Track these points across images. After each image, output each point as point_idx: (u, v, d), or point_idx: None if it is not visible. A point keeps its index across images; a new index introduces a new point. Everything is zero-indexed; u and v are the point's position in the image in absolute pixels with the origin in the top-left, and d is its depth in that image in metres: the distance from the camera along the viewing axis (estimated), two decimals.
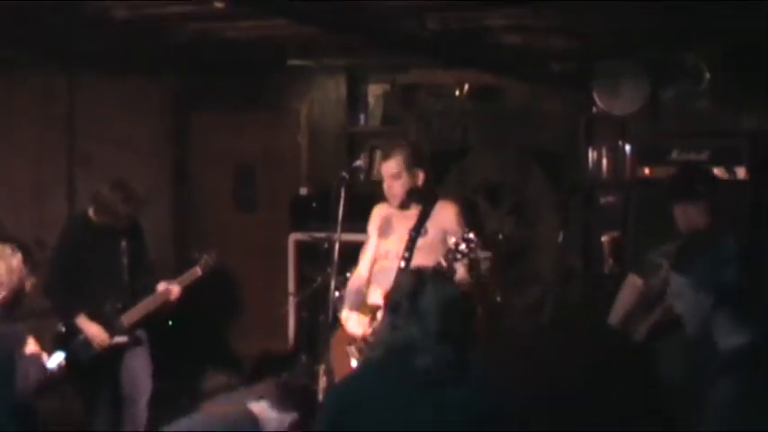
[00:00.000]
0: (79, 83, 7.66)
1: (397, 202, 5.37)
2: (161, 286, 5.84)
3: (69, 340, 5.65)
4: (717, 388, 2.71)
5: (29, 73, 7.23)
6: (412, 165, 5.31)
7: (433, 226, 5.30)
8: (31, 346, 4.66)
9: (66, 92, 7.62)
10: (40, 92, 7.48)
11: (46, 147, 7.54)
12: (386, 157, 5.37)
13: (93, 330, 5.71)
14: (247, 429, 3.78)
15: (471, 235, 4.97)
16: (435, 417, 2.95)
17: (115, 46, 6.65)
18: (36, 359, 4.62)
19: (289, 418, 3.79)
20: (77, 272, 5.76)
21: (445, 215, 5.34)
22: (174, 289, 5.83)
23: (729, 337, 2.77)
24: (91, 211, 5.79)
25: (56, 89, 7.57)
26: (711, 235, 4.45)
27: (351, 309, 5.45)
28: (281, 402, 3.82)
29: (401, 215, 5.42)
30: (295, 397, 3.93)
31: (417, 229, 5.30)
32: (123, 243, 5.84)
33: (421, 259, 5.19)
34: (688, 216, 4.87)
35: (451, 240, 5.06)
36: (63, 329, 5.72)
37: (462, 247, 4.94)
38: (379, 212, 5.59)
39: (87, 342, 5.72)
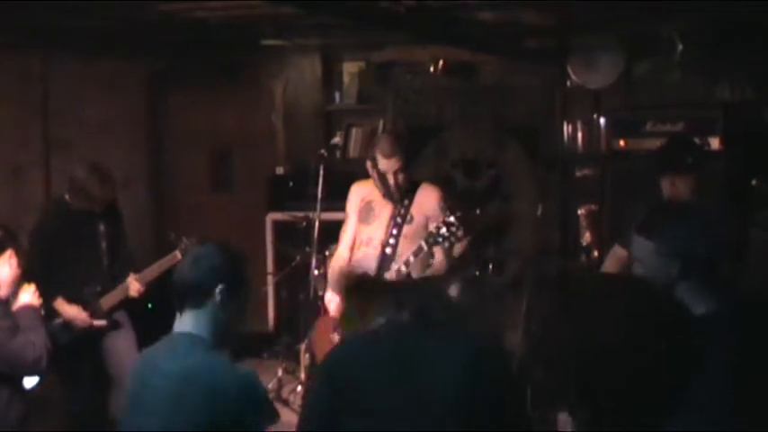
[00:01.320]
0: (54, 65, 7.62)
1: (399, 195, 5.29)
2: (131, 278, 5.82)
3: (48, 324, 5.63)
4: None
5: (4, 55, 7.18)
6: (403, 152, 5.25)
7: (417, 212, 5.27)
8: (27, 297, 4.64)
9: (40, 74, 7.58)
10: (15, 74, 7.43)
11: (22, 130, 7.50)
12: (388, 154, 5.19)
13: (71, 312, 5.70)
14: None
15: (452, 218, 4.96)
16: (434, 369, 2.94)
17: (89, 28, 6.62)
18: (35, 311, 4.62)
19: None
20: (55, 256, 5.73)
21: (428, 200, 5.31)
22: (135, 286, 5.80)
23: (694, 306, 2.76)
24: (67, 195, 5.78)
25: (31, 72, 7.53)
26: (683, 204, 4.48)
27: (334, 291, 5.41)
28: None
29: (383, 200, 5.36)
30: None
31: (404, 217, 5.27)
32: (101, 227, 5.83)
33: (406, 246, 5.17)
34: (676, 188, 4.85)
35: (432, 225, 5.06)
36: (42, 312, 5.70)
37: (443, 230, 4.95)
38: (358, 193, 5.50)
39: (65, 326, 5.71)
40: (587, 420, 2.31)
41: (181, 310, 3.31)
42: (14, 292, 4.60)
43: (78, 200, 5.68)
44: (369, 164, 5.30)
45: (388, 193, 5.27)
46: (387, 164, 5.20)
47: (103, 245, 5.84)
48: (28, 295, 4.63)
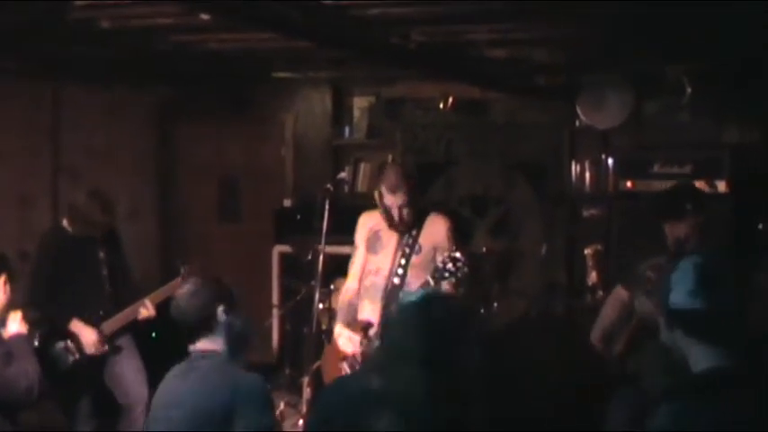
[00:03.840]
0: (64, 94, 7.65)
1: (406, 228, 5.27)
2: (146, 301, 5.83)
3: (48, 348, 5.62)
4: (659, 410, 2.62)
5: (15, 83, 7.22)
6: (409, 187, 5.24)
7: (425, 242, 5.24)
8: (15, 325, 4.60)
9: (51, 102, 7.61)
10: (26, 102, 7.47)
11: (31, 157, 7.52)
12: (393, 189, 5.18)
13: (88, 334, 5.70)
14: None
15: (458, 254, 4.95)
16: None
17: (100, 57, 6.66)
18: (25, 340, 4.59)
19: None
20: (58, 282, 5.75)
21: (437, 231, 5.30)
22: (148, 309, 5.81)
23: (698, 361, 2.65)
24: (66, 222, 5.80)
25: (41, 100, 7.56)
26: (679, 255, 4.45)
27: (343, 324, 5.38)
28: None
29: (390, 230, 5.34)
30: None
31: (412, 246, 5.26)
32: (101, 253, 5.85)
33: (414, 276, 5.15)
34: (675, 233, 4.91)
35: (438, 259, 5.05)
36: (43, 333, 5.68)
37: (450, 266, 4.93)
38: (365, 224, 5.49)
39: (67, 350, 5.70)
40: None
41: (194, 340, 3.73)
42: (2, 320, 4.58)
43: (78, 226, 5.71)
44: (376, 195, 5.32)
45: (392, 225, 5.28)
46: (391, 199, 5.21)
47: (104, 271, 5.86)
48: (16, 324, 4.59)
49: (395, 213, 5.20)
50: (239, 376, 3.65)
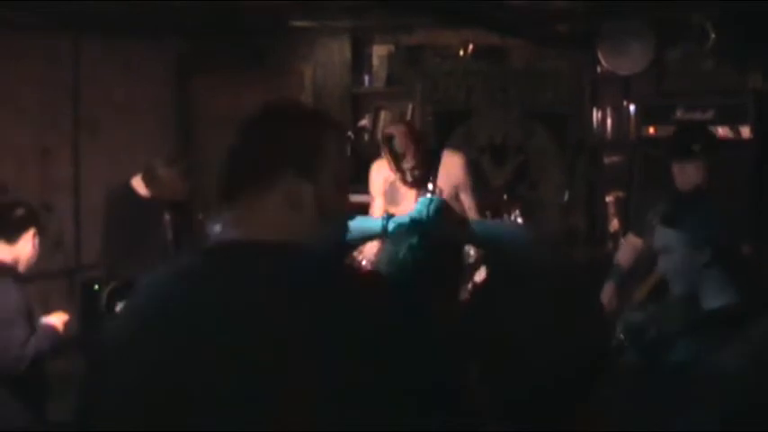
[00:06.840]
0: (83, 47, 7.64)
1: (419, 184, 5.17)
2: None
3: (113, 306, 5.66)
4: (701, 347, 2.68)
5: (34, 37, 7.20)
6: (423, 146, 5.17)
7: (444, 184, 5.21)
8: (55, 320, 4.58)
9: (70, 56, 7.60)
10: (45, 56, 7.46)
11: (51, 111, 7.53)
12: (402, 155, 5.10)
13: None
14: None
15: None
16: None
17: (119, 10, 6.63)
18: (54, 331, 4.57)
19: None
20: (126, 241, 5.77)
21: (453, 168, 5.26)
22: None
23: (716, 297, 2.72)
24: (137, 183, 5.80)
25: (60, 54, 7.55)
26: (705, 192, 4.47)
27: None
28: None
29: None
30: None
31: (432, 192, 5.23)
32: (167, 215, 5.86)
33: None
34: (685, 174, 4.87)
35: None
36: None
37: None
38: (379, 174, 5.46)
39: None
40: None
41: None
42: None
43: (156, 191, 5.74)
44: (385, 149, 5.25)
45: (406, 183, 5.22)
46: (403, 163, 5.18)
47: (170, 234, 5.86)
48: (59, 322, 4.59)
49: (408, 176, 5.17)
50: None
